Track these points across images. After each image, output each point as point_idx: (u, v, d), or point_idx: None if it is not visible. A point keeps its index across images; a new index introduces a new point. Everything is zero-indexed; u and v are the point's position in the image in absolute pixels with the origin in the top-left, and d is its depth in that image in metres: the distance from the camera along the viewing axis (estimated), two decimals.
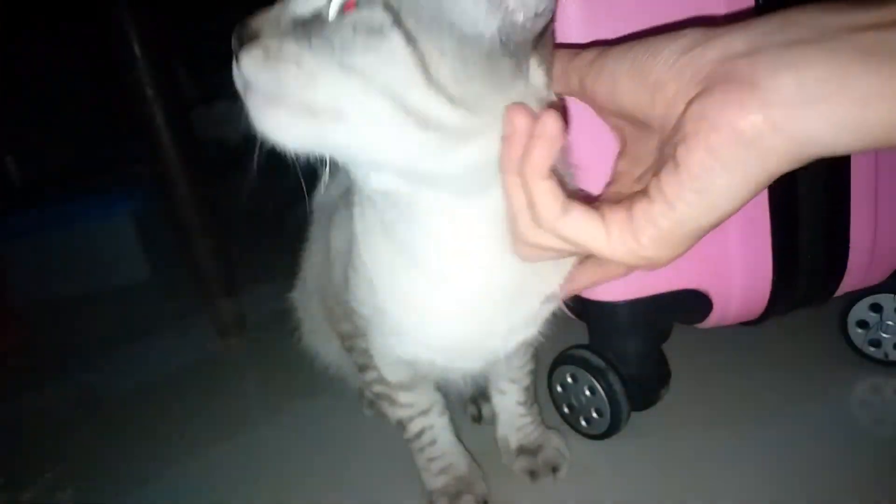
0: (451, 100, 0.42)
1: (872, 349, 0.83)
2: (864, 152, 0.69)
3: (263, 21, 0.43)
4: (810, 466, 0.72)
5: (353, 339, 0.71)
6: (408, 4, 0.40)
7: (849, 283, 0.75)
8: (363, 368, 0.72)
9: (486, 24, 0.42)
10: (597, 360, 0.75)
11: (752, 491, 0.70)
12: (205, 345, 1.30)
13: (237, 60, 0.44)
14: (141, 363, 1.32)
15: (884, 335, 0.82)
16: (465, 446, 0.77)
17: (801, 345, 0.90)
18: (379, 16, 0.40)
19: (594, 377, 0.75)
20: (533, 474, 0.76)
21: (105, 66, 1.22)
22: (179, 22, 2.53)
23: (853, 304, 0.83)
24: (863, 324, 0.83)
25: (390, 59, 0.40)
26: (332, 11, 0.41)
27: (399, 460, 0.78)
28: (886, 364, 0.83)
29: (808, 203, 0.69)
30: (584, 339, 0.78)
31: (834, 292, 0.76)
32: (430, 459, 0.74)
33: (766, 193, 0.68)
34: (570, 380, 0.79)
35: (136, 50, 1.10)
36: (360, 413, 0.94)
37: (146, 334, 1.42)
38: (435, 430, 0.74)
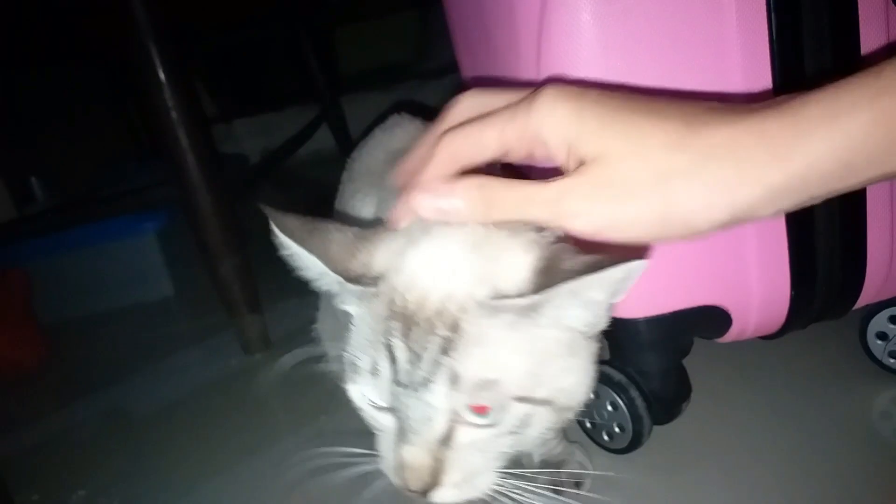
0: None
1: (892, 360, 0.84)
2: None
3: (427, 471, 0.48)
4: (831, 479, 0.73)
5: None
6: (530, 385, 0.47)
7: (867, 296, 0.76)
8: None
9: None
10: (618, 376, 0.77)
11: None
12: (230, 360, 1.32)
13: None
14: (168, 379, 1.35)
15: None
16: None
17: (821, 356, 0.91)
18: (521, 410, 0.47)
19: (616, 393, 0.77)
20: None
21: (130, 88, 1.26)
22: (199, 41, 2.58)
23: (872, 316, 0.84)
24: (882, 335, 0.84)
25: (543, 422, 0.49)
26: (482, 423, 0.47)
27: None
28: None
29: (825, 217, 0.70)
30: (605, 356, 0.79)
31: (852, 306, 0.77)
32: None
33: None
34: (591, 395, 0.80)
35: (161, 76, 1.13)
36: None
37: (173, 350, 1.45)
38: None
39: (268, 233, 0.52)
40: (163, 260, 1.73)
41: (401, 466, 0.48)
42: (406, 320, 0.46)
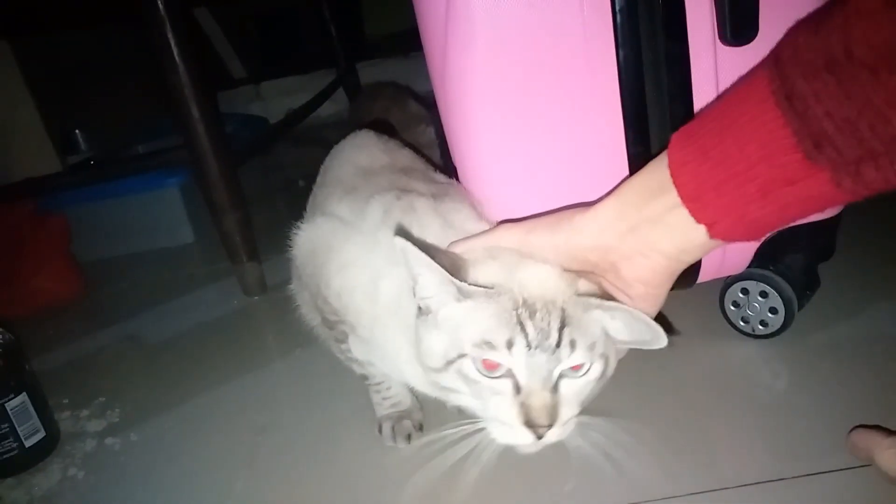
0: None
1: (743, 324, 1.01)
2: None
3: (548, 410, 0.64)
4: (694, 416, 0.90)
5: (335, 324, 0.89)
6: (603, 346, 0.67)
7: (708, 274, 0.94)
8: (340, 341, 0.91)
9: None
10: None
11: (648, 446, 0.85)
12: (233, 300, 1.52)
13: (541, 438, 0.65)
14: (181, 313, 1.55)
15: (750, 313, 1.00)
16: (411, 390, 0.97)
17: (689, 320, 1.06)
18: (600, 366, 0.67)
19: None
20: (460, 409, 0.98)
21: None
22: (232, 9, 2.76)
23: (728, 288, 1.01)
24: (736, 304, 1.01)
25: (607, 372, 0.69)
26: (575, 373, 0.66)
27: (364, 392, 1.00)
28: (755, 337, 1.01)
29: None
30: None
31: (695, 281, 0.95)
32: (385, 398, 0.97)
33: None
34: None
35: (177, 58, 1.32)
36: None
37: (187, 289, 1.65)
38: (391, 380, 0.95)
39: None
40: (184, 211, 1.91)
41: (529, 409, 0.64)
42: (530, 308, 0.64)
